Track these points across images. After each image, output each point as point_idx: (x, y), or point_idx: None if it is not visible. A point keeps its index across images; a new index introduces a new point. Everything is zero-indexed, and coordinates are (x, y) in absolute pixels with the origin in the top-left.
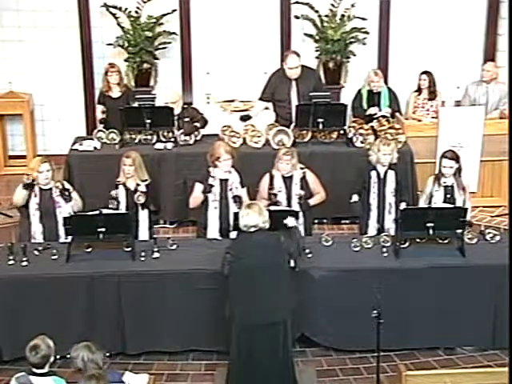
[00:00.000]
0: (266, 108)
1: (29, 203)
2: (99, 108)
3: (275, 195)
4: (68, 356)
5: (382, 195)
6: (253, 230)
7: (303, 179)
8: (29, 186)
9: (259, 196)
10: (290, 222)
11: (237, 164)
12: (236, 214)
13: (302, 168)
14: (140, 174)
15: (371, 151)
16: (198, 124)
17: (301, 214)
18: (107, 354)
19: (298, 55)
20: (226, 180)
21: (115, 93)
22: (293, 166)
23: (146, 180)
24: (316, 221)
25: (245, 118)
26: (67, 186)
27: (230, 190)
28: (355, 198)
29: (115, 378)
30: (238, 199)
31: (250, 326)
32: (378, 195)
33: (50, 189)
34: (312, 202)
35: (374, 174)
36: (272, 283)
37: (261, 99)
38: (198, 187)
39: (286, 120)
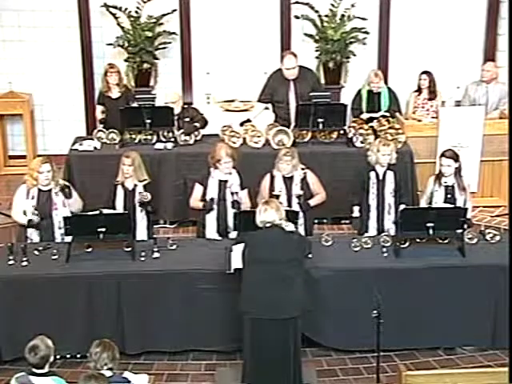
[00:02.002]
0: (266, 108)
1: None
2: (99, 108)
3: (277, 197)
4: (68, 356)
5: (381, 196)
6: (268, 225)
7: (304, 180)
8: (33, 225)
9: (260, 196)
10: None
11: (238, 166)
12: (236, 215)
13: (302, 168)
14: (139, 175)
15: (370, 152)
16: (197, 124)
17: (301, 214)
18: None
19: (295, 56)
20: (225, 181)
21: (115, 93)
22: (293, 167)
23: (145, 180)
24: (316, 221)
25: (242, 124)
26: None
27: (230, 192)
28: (356, 211)
29: (119, 379)
30: (236, 204)
31: (260, 320)
32: (377, 196)
33: (50, 190)
34: (312, 202)
35: (373, 174)
36: (283, 279)
37: (260, 101)
38: (198, 188)
39: (285, 120)
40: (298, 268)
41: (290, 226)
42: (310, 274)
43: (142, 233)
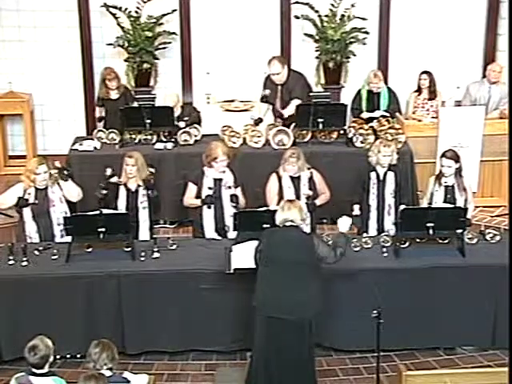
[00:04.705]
0: (268, 108)
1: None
2: (98, 109)
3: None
4: (68, 356)
5: (382, 196)
6: (288, 225)
7: (311, 179)
8: (23, 205)
9: (269, 198)
10: (343, 224)
11: (232, 164)
12: (235, 215)
13: (308, 168)
14: (142, 175)
15: (371, 152)
16: (181, 124)
17: (308, 214)
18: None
19: (281, 61)
20: (220, 180)
21: (113, 95)
22: (299, 168)
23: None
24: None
25: (257, 122)
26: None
27: (228, 187)
28: (357, 210)
29: (119, 379)
30: (235, 198)
31: (275, 320)
32: (378, 196)
33: (46, 188)
34: (318, 202)
35: (373, 175)
36: (298, 280)
37: (261, 101)
38: (192, 187)
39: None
40: (315, 270)
41: (306, 228)
42: None
43: (144, 233)
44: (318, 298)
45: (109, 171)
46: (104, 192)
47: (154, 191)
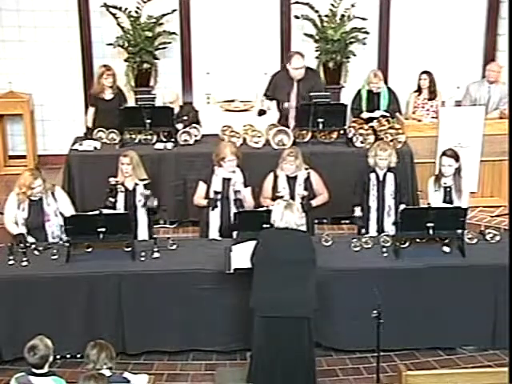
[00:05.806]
0: (268, 108)
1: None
2: (91, 110)
3: (281, 198)
4: (68, 356)
5: (382, 197)
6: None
7: (307, 180)
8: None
9: (262, 196)
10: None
11: (242, 164)
12: (236, 215)
13: (306, 168)
14: (138, 173)
15: (369, 154)
16: (179, 126)
17: (303, 214)
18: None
19: (303, 56)
20: (229, 179)
21: (107, 95)
22: (297, 167)
23: (145, 179)
24: (316, 221)
25: (260, 113)
26: (58, 191)
27: (234, 191)
28: (358, 211)
29: (119, 379)
30: (239, 202)
31: (273, 319)
32: (378, 197)
33: (41, 199)
34: (315, 202)
35: (373, 176)
36: (295, 280)
37: (264, 95)
38: (202, 186)
39: (285, 120)
40: (312, 268)
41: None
42: None
43: (143, 233)
44: (315, 297)
45: (113, 180)
46: (112, 200)
47: (157, 207)
